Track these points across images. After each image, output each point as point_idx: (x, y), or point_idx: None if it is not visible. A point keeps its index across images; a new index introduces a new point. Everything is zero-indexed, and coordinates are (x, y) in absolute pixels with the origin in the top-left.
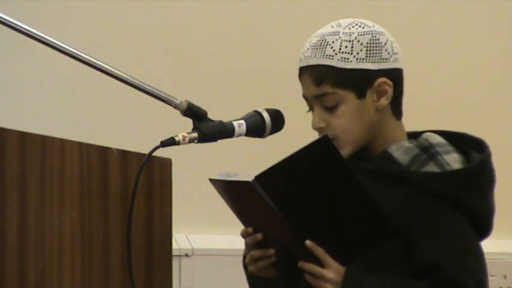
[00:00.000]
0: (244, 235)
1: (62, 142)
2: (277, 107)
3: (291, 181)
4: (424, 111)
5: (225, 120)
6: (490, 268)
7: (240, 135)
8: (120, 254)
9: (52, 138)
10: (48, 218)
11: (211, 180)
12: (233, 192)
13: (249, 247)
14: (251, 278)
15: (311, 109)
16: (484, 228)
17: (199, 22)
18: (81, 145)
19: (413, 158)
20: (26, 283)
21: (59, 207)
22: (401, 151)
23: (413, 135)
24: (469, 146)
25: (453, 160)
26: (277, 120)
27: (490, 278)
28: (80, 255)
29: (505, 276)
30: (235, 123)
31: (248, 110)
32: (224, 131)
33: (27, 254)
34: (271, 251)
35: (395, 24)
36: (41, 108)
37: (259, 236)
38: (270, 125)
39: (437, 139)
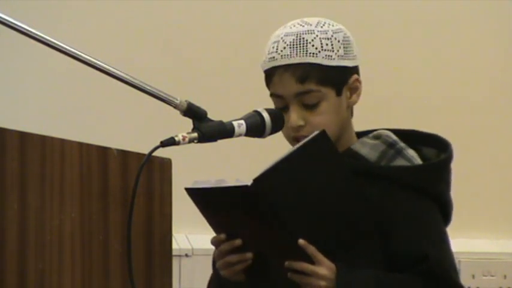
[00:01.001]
0: (217, 242)
1: (62, 142)
2: None
3: (288, 180)
4: (424, 110)
5: (225, 120)
6: (490, 268)
7: (240, 135)
8: (120, 254)
9: (52, 138)
10: (48, 218)
11: (187, 189)
12: (216, 199)
13: (223, 253)
14: (222, 281)
15: (282, 108)
16: (449, 219)
17: (198, 22)
18: (81, 145)
19: (382, 154)
20: (26, 283)
21: (59, 207)
22: (367, 148)
23: (360, 135)
24: (417, 142)
25: (414, 155)
26: (277, 120)
27: (490, 278)
28: (80, 255)
29: (505, 276)
30: (235, 123)
31: (248, 110)
32: (224, 131)
33: (27, 254)
34: (249, 255)
35: (395, 24)
36: (41, 108)
37: (238, 242)
38: (270, 125)
39: (393, 136)
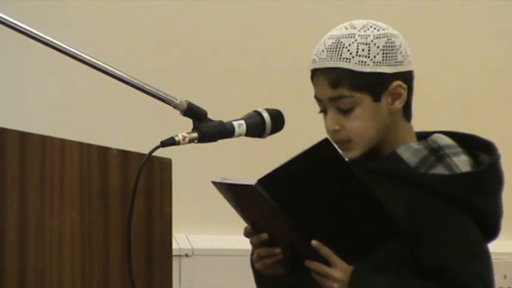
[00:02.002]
0: (247, 234)
1: (62, 142)
2: (277, 107)
3: (294, 183)
4: (424, 111)
5: (225, 120)
6: None
7: (240, 135)
8: (120, 254)
9: (52, 138)
10: (48, 218)
11: (214, 182)
12: (236, 195)
13: (255, 246)
14: (258, 275)
15: (323, 111)
16: (492, 230)
17: (199, 22)
18: (81, 145)
19: (422, 160)
20: (26, 283)
21: (59, 207)
22: (409, 152)
23: (423, 136)
24: (478, 147)
25: (462, 162)
26: (277, 120)
27: None
28: (80, 255)
29: (505, 276)
30: (235, 123)
31: (248, 110)
32: (224, 131)
33: (27, 254)
34: (278, 250)
35: (396, 24)
36: (41, 108)
37: (264, 235)
38: (270, 125)
39: (446, 140)
